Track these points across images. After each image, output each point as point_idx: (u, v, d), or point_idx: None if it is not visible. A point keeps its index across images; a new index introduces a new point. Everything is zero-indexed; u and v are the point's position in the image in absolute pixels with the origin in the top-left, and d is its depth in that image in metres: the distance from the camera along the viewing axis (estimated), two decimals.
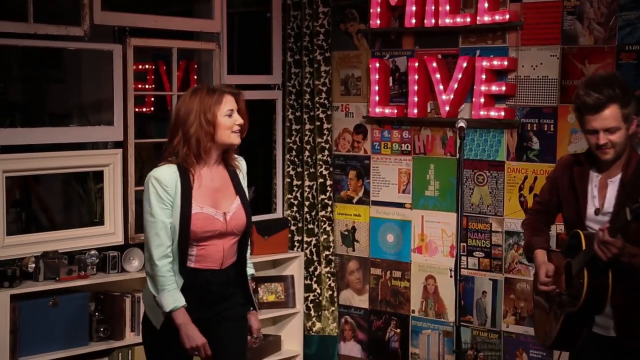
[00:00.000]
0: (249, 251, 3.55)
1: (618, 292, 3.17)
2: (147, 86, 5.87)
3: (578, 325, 3.31)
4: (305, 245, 5.67)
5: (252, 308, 3.55)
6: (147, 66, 5.86)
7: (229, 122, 3.29)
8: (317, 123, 5.60)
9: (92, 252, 4.68)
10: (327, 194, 5.62)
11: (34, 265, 4.49)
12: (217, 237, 3.34)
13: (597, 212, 3.25)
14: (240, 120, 3.32)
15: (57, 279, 4.50)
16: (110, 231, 4.85)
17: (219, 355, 3.42)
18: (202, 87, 3.34)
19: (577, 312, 3.24)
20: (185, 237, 3.27)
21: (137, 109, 5.03)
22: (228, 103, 3.30)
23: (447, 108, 5.04)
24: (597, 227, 3.17)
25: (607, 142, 3.15)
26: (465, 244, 5.10)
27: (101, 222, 4.89)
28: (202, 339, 3.29)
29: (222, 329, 3.43)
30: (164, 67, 5.66)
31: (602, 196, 3.26)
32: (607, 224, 3.10)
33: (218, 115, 3.27)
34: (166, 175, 3.26)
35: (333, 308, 5.64)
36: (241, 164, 3.51)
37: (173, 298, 3.26)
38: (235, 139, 3.33)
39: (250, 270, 3.55)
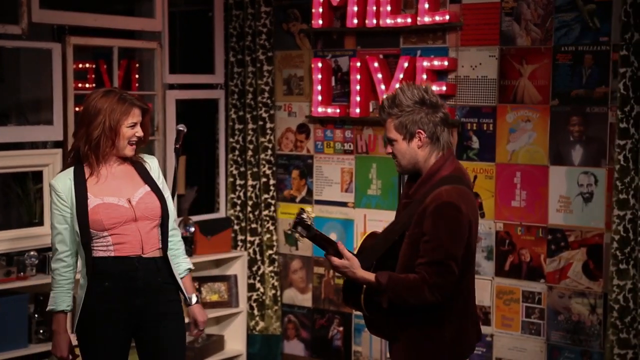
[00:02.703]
0: (182, 246, 3.63)
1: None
2: (87, 85, 5.80)
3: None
4: (248, 245, 5.67)
5: (191, 301, 3.58)
6: (87, 65, 5.79)
7: (129, 133, 3.41)
8: (260, 122, 5.60)
9: (32, 253, 4.62)
10: (270, 193, 5.63)
11: None
12: (130, 222, 3.40)
13: None
14: (140, 133, 3.44)
15: None
16: (50, 232, 4.77)
17: (158, 356, 3.44)
18: (114, 92, 3.43)
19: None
20: (86, 231, 3.36)
21: (77, 108, 4.97)
22: (135, 116, 3.41)
23: None
24: None
25: (390, 152, 3.22)
26: None
27: (41, 223, 4.83)
28: (66, 351, 3.44)
29: (161, 328, 3.44)
30: (105, 66, 5.60)
31: None
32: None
33: (122, 125, 3.39)
34: (60, 182, 3.41)
35: (276, 307, 5.65)
36: (150, 161, 3.57)
37: (54, 300, 3.43)
38: (129, 152, 3.45)
39: (184, 265, 3.60)
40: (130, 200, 3.41)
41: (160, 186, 3.53)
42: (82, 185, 3.38)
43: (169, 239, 3.54)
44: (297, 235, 3.21)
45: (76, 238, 3.40)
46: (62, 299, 3.42)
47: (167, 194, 3.56)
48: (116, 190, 3.41)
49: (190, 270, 3.62)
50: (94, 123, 3.35)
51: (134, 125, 3.40)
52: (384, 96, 3.24)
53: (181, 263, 3.59)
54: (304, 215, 3.21)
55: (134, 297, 3.41)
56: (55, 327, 3.44)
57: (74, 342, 3.49)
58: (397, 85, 3.34)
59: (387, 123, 3.18)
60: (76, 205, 3.36)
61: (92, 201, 3.37)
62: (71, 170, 3.43)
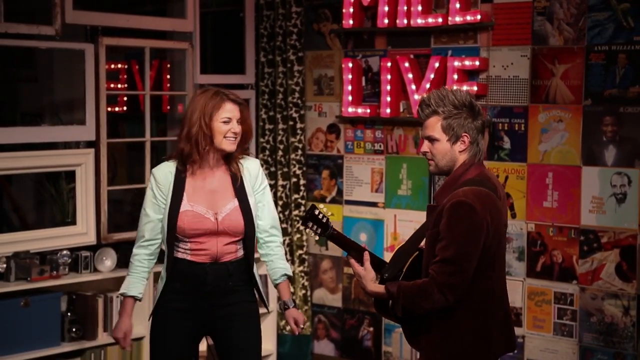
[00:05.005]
0: (281, 251, 3.61)
1: None
2: (119, 85, 5.85)
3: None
4: None
5: (286, 305, 3.57)
6: (119, 65, 5.84)
7: (224, 128, 3.39)
8: (291, 123, 5.61)
9: (64, 252, 4.66)
10: (301, 193, 5.64)
11: (5, 265, 4.47)
12: (210, 235, 3.41)
13: None
14: (236, 129, 3.41)
15: (29, 279, 4.48)
16: (82, 231, 4.83)
17: (233, 355, 3.47)
18: (210, 89, 3.45)
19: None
20: (172, 232, 3.39)
21: (109, 109, 5.01)
22: (227, 110, 3.39)
23: None
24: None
25: (427, 151, 3.17)
26: None
27: (73, 222, 4.87)
28: (123, 332, 3.47)
29: (232, 329, 3.46)
30: (137, 67, 5.64)
31: None
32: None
33: (215, 120, 3.37)
34: (161, 173, 3.44)
35: (306, 307, 5.66)
36: (248, 165, 3.53)
37: (127, 284, 3.49)
38: (227, 146, 3.41)
39: (280, 270, 3.58)
40: (217, 214, 3.41)
41: (261, 191, 3.52)
42: (181, 186, 3.41)
43: (267, 244, 3.56)
44: (311, 233, 3.23)
45: (162, 233, 3.44)
46: (135, 285, 3.47)
47: (266, 199, 3.55)
48: (207, 201, 3.42)
49: (287, 276, 3.59)
50: (191, 121, 3.37)
51: (228, 121, 3.38)
52: (428, 93, 3.18)
53: (277, 269, 3.58)
54: (316, 212, 3.20)
55: (201, 300, 3.44)
56: (121, 310, 3.50)
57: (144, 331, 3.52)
58: (445, 87, 3.31)
59: (430, 121, 3.13)
60: (170, 203, 3.39)
61: (184, 205, 3.39)
62: (173, 164, 3.44)
